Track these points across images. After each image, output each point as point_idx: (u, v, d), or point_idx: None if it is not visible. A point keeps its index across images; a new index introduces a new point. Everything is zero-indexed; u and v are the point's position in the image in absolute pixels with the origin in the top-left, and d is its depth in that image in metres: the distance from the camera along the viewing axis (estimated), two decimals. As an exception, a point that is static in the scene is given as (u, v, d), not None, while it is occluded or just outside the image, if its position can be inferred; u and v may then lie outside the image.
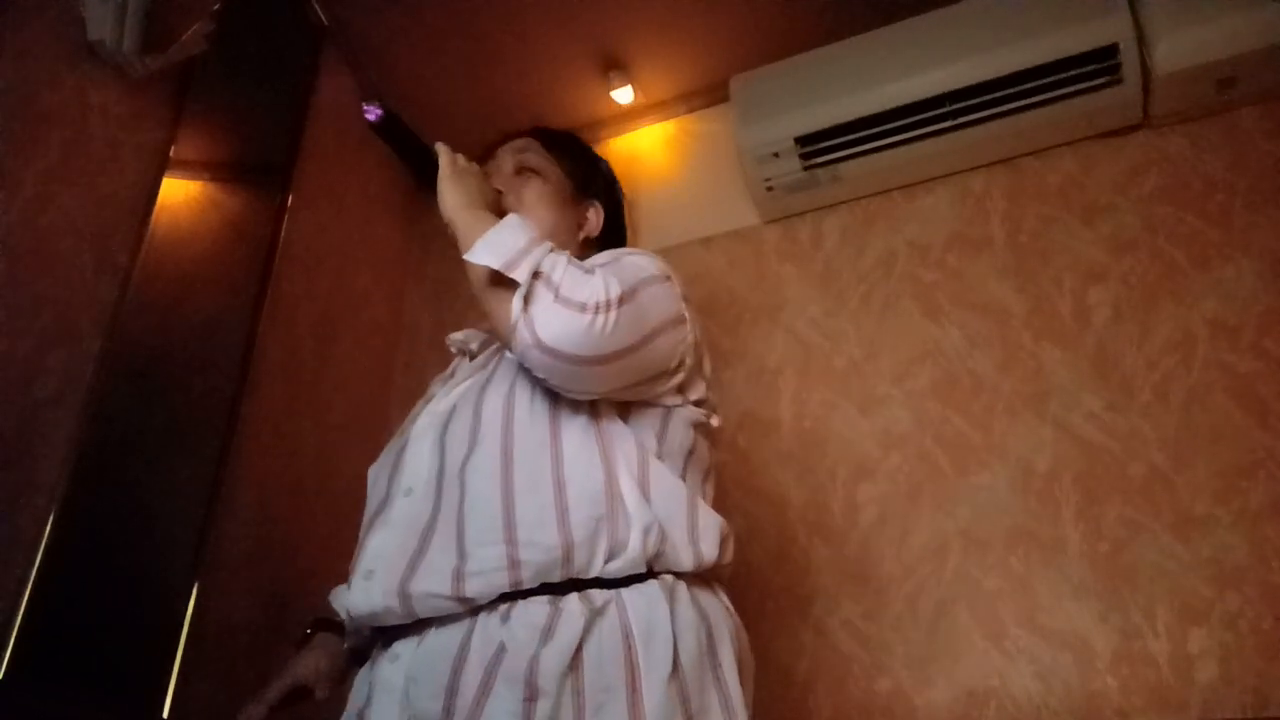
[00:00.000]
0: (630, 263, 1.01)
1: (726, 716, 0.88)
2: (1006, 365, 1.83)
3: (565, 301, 0.88)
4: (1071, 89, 1.84)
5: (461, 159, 1.10)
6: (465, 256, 0.93)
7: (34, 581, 1.27)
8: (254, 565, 1.72)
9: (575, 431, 0.95)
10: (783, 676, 1.70)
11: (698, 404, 1.06)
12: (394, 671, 0.90)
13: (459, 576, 0.87)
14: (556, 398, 0.97)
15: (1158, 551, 1.58)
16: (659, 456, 0.99)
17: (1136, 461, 1.67)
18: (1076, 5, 1.82)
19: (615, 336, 0.89)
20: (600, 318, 0.88)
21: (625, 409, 0.99)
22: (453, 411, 1.01)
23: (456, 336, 1.20)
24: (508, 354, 1.03)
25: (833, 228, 2.13)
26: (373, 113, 1.06)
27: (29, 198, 1.37)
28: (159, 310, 1.59)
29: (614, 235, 1.26)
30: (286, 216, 1.95)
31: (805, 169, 2.04)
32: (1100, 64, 1.80)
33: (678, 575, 0.93)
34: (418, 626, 0.90)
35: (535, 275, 0.89)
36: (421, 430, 1.02)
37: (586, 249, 1.20)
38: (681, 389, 1.04)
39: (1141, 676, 1.51)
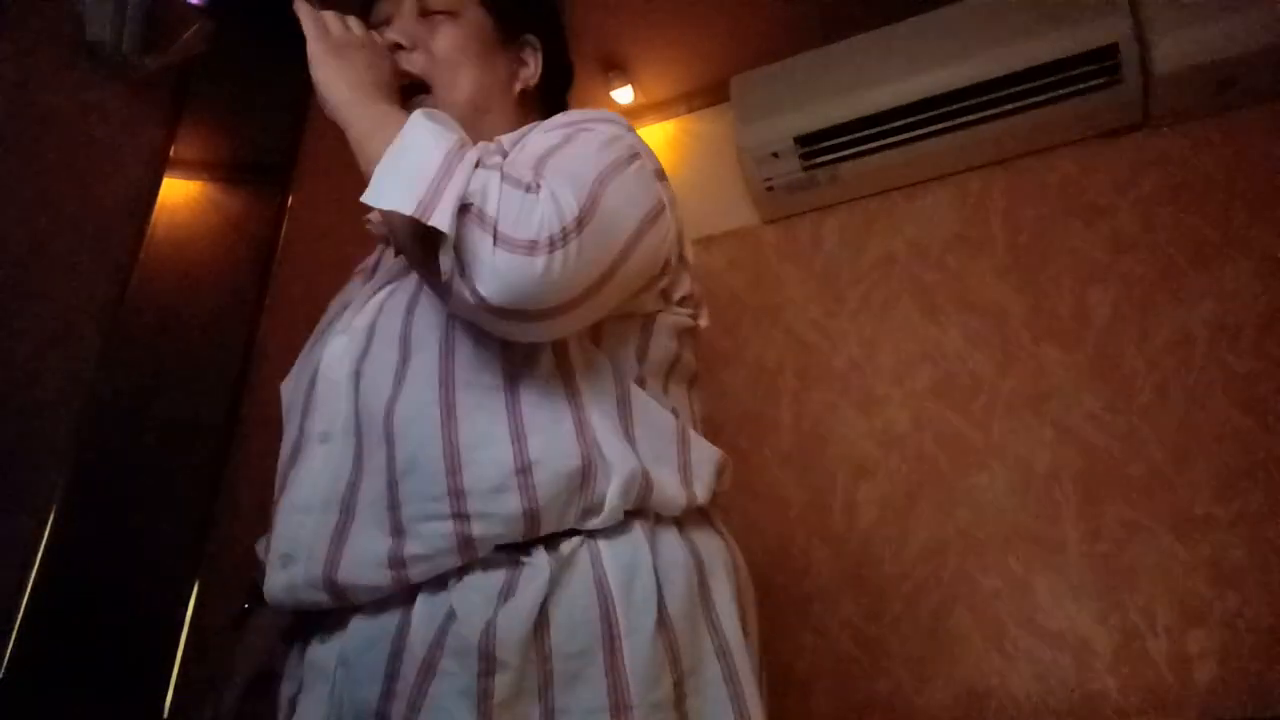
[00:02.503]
0: (584, 142, 0.77)
1: (723, 663, 0.73)
2: (1006, 365, 1.83)
3: (508, 243, 0.64)
4: (1071, 89, 1.84)
5: (337, 23, 0.86)
6: (363, 199, 0.69)
7: (34, 581, 1.26)
8: (254, 565, 1.71)
9: (536, 365, 0.75)
10: (783, 676, 1.70)
11: (681, 303, 0.88)
12: (325, 654, 0.74)
13: (398, 563, 0.70)
14: None
15: (1157, 551, 1.59)
16: (640, 380, 0.81)
17: (1136, 461, 1.67)
18: (1076, 5, 1.82)
19: (581, 272, 0.67)
20: (558, 255, 0.65)
21: (598, 326, 0.79)
22: (372, 331, 0.80)
23: (377, 215, 0.93)
24: None
25: (832, 228, 2.13)
26: None
27: (28, 198, 1.36)
28: (159, 310, 1.59)
29: (557, 76, 1.01)
30: (286, 216, 1.94)
31: (805, 169, 2.04)
32: (1100, 64, 1.80)
33: (661, 516, 0.77)
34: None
35: (464, 210, 0.64)
36: (336, 355, 0.81)
37: (525, 105, 0.97)
38: (665, 292, 0.85)
39: (1141, 677, 1.51)
